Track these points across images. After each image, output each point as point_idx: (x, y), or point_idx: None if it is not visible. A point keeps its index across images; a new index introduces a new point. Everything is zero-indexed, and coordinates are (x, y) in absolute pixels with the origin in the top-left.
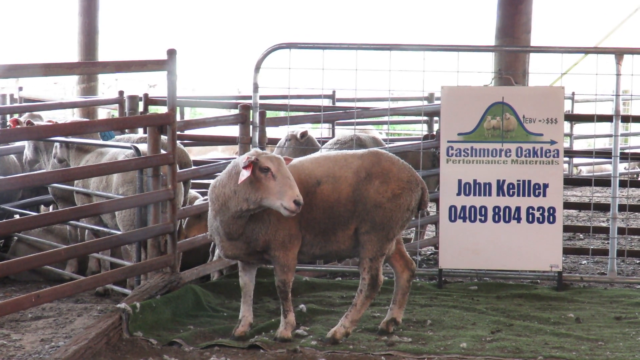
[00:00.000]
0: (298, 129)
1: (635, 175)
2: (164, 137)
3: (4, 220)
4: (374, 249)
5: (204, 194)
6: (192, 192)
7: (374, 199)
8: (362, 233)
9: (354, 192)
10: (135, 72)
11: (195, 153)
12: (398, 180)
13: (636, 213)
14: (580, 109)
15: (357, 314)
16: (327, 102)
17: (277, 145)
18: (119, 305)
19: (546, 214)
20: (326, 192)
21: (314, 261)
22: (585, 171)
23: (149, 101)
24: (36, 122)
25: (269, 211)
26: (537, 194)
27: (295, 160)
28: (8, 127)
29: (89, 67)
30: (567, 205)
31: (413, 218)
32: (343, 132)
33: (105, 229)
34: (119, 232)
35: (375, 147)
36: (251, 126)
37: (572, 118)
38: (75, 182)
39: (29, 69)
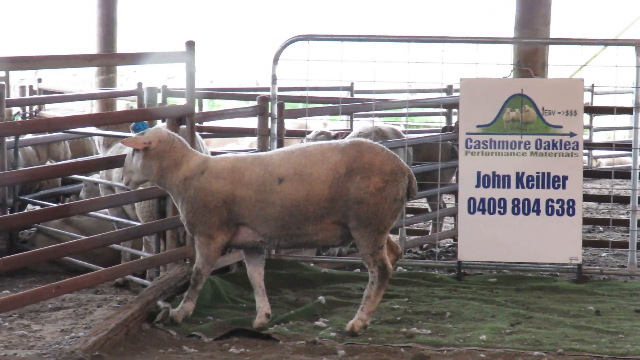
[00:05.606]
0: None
1: None
2: (182, 129)
3: (25, 212)
4: (369, 244)
5: None
6: None
7: (355, 195)
8: (352, 229)
9: (331, 190)
10: (154, 64)
11: (214, 145)
12: (381, 174)
13: None
14: (599, 101)
15: (372, 305)
16: (345, 94)
17: (306, 138)
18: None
19: (565, 206)
20: (288, 191)
21: (326, 252)
22: (604, 163)
23: (167, 93)
24: None
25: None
26: (556, 186)
27: (266, 154)
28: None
29: (107, 59)
30: (587, 197)
31: (430, 211)
32: (364, 124)
33: (124, 220)
34: (138, 224)
35: (394, 139)
36: (269, 118)
37: (592, 110)
38: (100, 173)
39: (48, 60)
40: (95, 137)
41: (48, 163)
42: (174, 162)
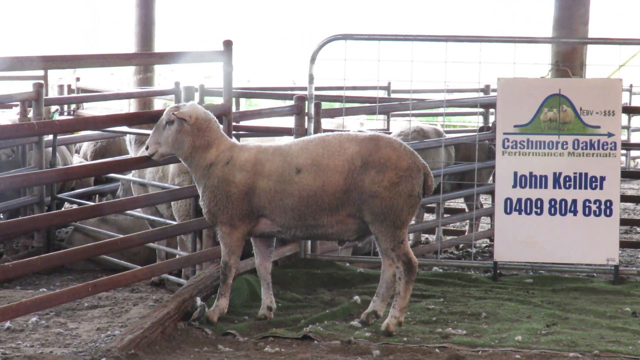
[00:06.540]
0: None
1: None
2: None
3: (62, 210)
4: (388, 239)
5: None
6: None
7: (369, 189)
8: (369, 223)
9: (346, 181)
10: (192, 63)
11: None
12: (396, 169)
13: None
14: (638, 102)
15: (404, 301)
16: (382, 94)
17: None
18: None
19: (603, 207)
20: (306, 181)
21: (367, 251)
22: None
23: (204, 92)
24: None
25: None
26: (593, 186)
27: (286, 144)
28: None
29: (145, 58)
30: (624, 198)
31: (467, 211)
32: (403, 123)
33: (160, 219)
34: (175, 222)
35: (436, 138)
36: (306, 117)
37: (630, 110)
38: (132, 172)
39: (87, 59)
40: (127, 136)
41: (75, 160)
42: (206, 143)
